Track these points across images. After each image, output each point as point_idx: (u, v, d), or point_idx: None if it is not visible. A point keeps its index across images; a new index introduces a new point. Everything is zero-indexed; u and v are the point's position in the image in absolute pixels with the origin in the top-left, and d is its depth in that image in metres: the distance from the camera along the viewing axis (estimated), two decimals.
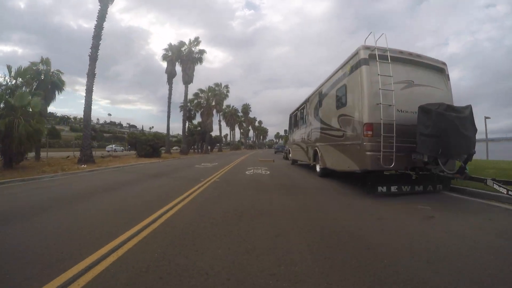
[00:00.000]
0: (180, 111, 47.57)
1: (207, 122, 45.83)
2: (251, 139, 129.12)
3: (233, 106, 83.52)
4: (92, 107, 17.21)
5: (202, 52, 39.40)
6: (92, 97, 17.51)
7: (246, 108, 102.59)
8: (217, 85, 55.55)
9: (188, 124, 48.40)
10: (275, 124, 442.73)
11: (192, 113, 48.10)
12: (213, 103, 49.11)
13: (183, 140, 38.55)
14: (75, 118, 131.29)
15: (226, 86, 63.33)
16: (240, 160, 22.90)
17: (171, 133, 41.13)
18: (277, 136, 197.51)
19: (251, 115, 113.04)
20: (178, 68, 38.53)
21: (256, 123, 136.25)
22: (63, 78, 19.54)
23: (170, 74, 38.41)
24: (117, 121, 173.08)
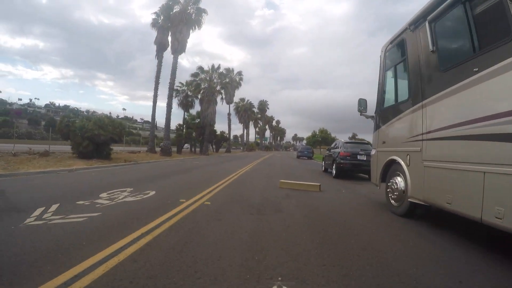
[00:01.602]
0: (175, 96, 36.16)
1: (208, 112, 33.94)
2: (268, 140, 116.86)
3: (248, 100, 71.33)
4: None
5: (200, 11, 27.56)
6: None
7: (263, 105, 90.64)
8: (228, 70, 43.74)
9: (185, 115, 36.87)
10: (291, 126, 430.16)
11: (190, 100, 36.46)
12: (218, 87, 37.11)
13: (165, 134, 26.76)
14: (88, 111, 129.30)
15: (239, 73, 51.40)
16: (235, 177, 10.79)
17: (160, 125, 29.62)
18: (295, 138, 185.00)
19: (268, 113, 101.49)
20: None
21: (274, 123, 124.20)
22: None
23: (160, 44, 27.23)
24: (134, 117, 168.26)
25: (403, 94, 4.94)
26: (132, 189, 6.36)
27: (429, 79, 4.08)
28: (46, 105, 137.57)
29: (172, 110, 27.16)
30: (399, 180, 4.85)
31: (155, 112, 28.67)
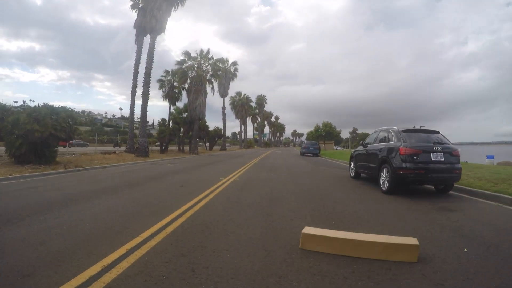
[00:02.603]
0: (160, 88, 31.39)
1: (196, 104, 29.09)
2: (267, 136, 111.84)
3: (244, 94, 66.52)
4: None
5: None
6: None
7: (261, 100, 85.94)
8: (221, 61, 38.85)
9: (170, 108, 32.01)
10: (290, 122, 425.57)
11: (176, 91, 31.59)
12: (207, 76, 32.18)
13: (141, 130, 21.85)
14: (83, 111, 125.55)
15: (234, 63, 46.84)
16: (197, 206, 5.42)
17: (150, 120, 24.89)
18: (294, 133, 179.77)
19: (266, 109, 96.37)
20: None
21: (273, 118, 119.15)
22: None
23: (140, 28, 22.71)
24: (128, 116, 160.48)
25: None
26: None
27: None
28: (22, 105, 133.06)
29: (159, 104, 22.60)
30: None
31: (133, 106, 23.98)
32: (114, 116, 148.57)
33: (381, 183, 7.04)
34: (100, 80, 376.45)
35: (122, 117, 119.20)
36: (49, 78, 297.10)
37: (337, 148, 65.66)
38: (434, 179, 6.57)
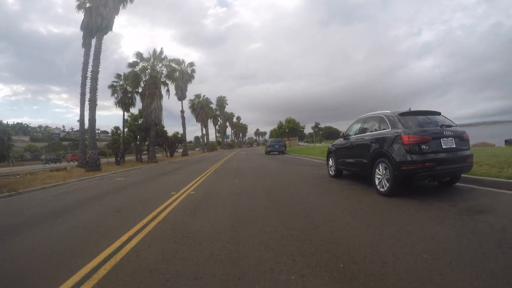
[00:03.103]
0: (113, 94, 28.72)
1: (152, 109, 26.92)
2: (230, 138, 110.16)
3: (204, 96, 64.46)
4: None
5: None
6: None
7: (221, 101, 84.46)
8: (177, 62, 36.88)
9: (124, 115, 29.40)
10: (252, 122, 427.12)
11: (130, 97, 29.11)
12: (162, 77, 30.13)
13: (90, 141, 19.55)
14: (40, 126, 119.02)
15: (191, 64, 44.83)
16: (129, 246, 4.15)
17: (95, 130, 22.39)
18: (257, 133, 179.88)
19: (227, 109, 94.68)
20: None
21: (234, 119, 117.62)
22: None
23: (87, 29, 20.24)
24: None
25: None
26: None
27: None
28: None
29: (120, 112, 20.29)
30: None
31: (83, 115, 21.38)
32: (72, 129, 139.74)
33: (376, 182, 5.71)
34: (57, 92, 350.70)
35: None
36: (3, 93, 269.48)
37: (301, 144, 66.07)
38: (446, 171, 5.28)
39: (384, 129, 5.87)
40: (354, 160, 6.98)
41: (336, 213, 4.49)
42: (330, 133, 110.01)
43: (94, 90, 19.31)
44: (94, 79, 19.38)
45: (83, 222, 4.86)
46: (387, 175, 5.39)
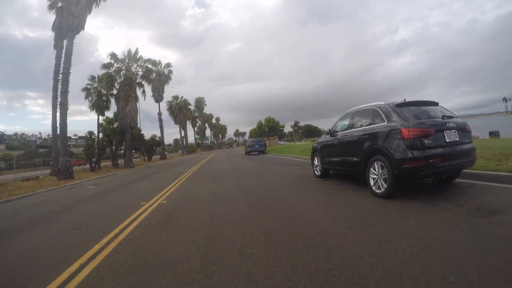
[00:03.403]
0: (86, 97, 27.68)
1: (127, 111, 26.08)
2: (209, 139, 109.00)
3: (182, 98, 63.52)
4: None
5: None
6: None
7: (200, 102, 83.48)
8: (153, 63, 35.83)
9: (99, 119, 28.33)
10: (232, 123, 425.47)
11: (105, 99, 28.13)
12: (137, 78, 29.30)
13: (62, 147, 18.52)
14: (15, 134, 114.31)
15: (168, 65, 43.65)
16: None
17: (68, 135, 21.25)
18: (237, 133, 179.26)
19: (206, 111, 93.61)
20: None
21: (214, 120, 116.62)
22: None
23: (59, 29, 19.32)
24: (68, 134, 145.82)
25: None
26: None
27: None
28: None
29: (96, 117, 19.31)
30: None
31: (56, 120, 20.14)
32: (49, 135, 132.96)
33: (371, 183, 5.13)
34: (33, 98, 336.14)
35: (57, 136, 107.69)
36: None
37: (281, 143, 66.48)
38: (450, 167, 4.69)
39: (378, 123, 5.27)
40: (343, 159, 6.37)
41: (329, 222, 3.94)
42: (310, 131, 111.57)
43: (65, 93, 18.35)
44: (65, 81, 18.43)
45: (34, 245, 4.24)
46: (384, 175, 4.83)
